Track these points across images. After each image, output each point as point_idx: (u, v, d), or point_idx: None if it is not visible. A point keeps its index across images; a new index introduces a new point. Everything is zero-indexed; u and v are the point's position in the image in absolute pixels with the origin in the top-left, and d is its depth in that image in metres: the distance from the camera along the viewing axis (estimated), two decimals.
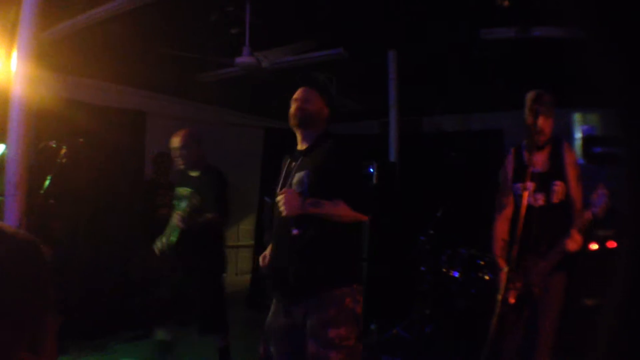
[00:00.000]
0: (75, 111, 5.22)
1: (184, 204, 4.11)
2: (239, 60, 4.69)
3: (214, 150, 8.17)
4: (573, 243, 2.98)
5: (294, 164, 2.90)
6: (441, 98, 7.05)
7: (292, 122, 2.88)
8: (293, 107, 2.89)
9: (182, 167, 4.26)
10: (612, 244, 4.81)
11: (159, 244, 4.17)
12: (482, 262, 5.29)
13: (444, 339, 5.21)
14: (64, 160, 4.00)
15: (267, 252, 3.03)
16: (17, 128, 3.41)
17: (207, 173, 4.25)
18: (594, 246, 4.72)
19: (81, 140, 4.40)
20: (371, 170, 5.99)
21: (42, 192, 3.88)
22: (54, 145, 4.04)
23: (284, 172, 2.95)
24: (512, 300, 3.12)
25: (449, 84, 6.47)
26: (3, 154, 3.99)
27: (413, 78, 6.14)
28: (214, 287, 4.21)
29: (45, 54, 3.92)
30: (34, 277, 1.20)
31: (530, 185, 3.11)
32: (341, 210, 2.67)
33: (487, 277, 5.16)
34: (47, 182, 3.91)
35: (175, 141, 4.19)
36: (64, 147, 4.02)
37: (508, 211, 3.40)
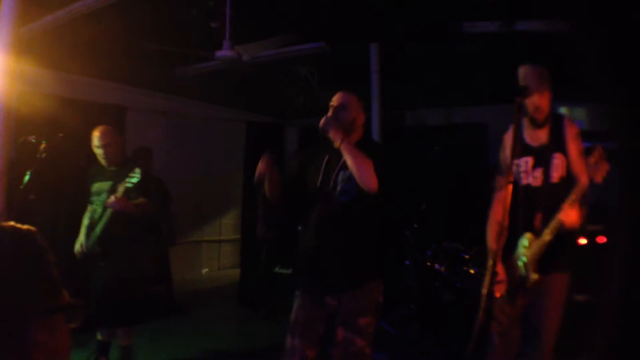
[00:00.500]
0: (56, 106, 5.18)
1: (103, 197, 4.10)
2: (220, 54, 4.67)
3: (195, 145, 8.22)
4: (566, 216, 2.72)
5: (335, 161, 3.05)
6: (424, 92, 7.08)
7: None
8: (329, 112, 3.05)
9: (105, 163, 4.20)
10: (601, 239, 4.79)
11: (78, 246, 4.14)
12: (467, 256, 5.33)
13: (429, 333, 5.24)
14: (43, 155, 3.97)
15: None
16: None
17: (126, 165, 4.17)
18: (583, 241, 4.62)
19: (61, 135, 4.37)
20: None
21: (21, 187, 3.85)
22: (33, 140, 4.00)
23: (323, 167, 3.09)
24: (497, 295, 2.93)
25: (432, 77, 6.51)
26: None
27: (396, 72, 6.16)
28: (127, 284, 4.10)
29: (26, 49, 3.88)
30: (38, 266, 1.21)
31: (529, 159, 2.96)
32: (368, 165, 2.85)
33: (472, 271, 5.20)
34: (26, 177, 3.88)
35: (97, 138, 4.14)
36: (44, 142, 3.99)
37: (504, 192, 2.92)
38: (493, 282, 2.75)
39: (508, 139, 3.11)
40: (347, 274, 3.00)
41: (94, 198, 4.21)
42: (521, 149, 2.96)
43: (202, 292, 7.85)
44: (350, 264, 3.00)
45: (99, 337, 4.26)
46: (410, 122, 8.00)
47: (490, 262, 2.95)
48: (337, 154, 2.98)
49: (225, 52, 4.68)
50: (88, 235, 4.15)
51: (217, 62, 4.95)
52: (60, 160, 4.47)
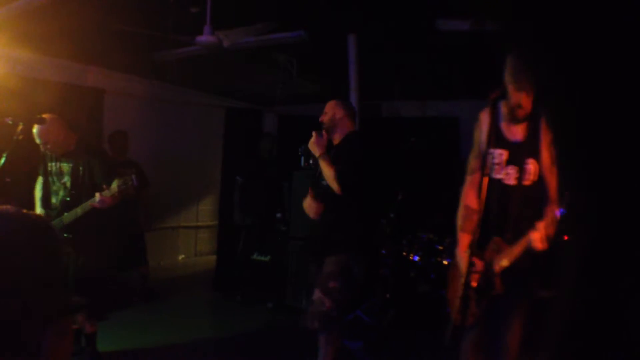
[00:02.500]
0: (33, 89, 5.11)
1: (65, 179, 4.05)
2: (200, 39, 4.64)
3: (174, 130, 8.17)
4: (539, 240, 2.59)
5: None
6: (399, 83, 7.11)
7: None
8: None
9: (52, 153, 4.12)
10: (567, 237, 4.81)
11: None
12: (440, 247, 5.39)
13: (404, 323, 5.28)
14: (20, 137, 3.90)
15: None
16: None
17: (82, 145, 4.11)
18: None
19: (39, 117, 4.31)
20: None
21: None
22: (10, 122, 3.93)
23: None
24: (474, 284, 2.82)
25: (407, 70, 6.54)
26: None
27: (372, 62, 6.18)
28: (92, 272, 4.00)
29: (1, 31, 3.81)
30: (55, 265, 1.08)
31: (503, 153, 2.87)
32: (331, 173, 3.55)
33: (445, 262, 5.25)
34: (2, 160, 3.82)
35: (37, 136, 4.03)
36: (21, 124, 3.92)
37: (478, 177, 2.85)
38: (470, 272, 2.71)
39: (484, 118, 2.98)
40: (326, 243, 3.68)
41: (53, 178, 4.10)
42: (496, 139, 2.85)
43: (178, 279, 7.82)
44: (330, 236, 3.68)
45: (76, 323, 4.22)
46: (386, 113, 8.04)
47: (460, 250, 2.97)
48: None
49: (205, 38, 4.65)
50: (46, 210, 4.06)
51: (198, 47, 4.92)
52: (37, 143, 4.41)
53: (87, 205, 3.90)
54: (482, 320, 2.89)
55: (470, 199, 3.00)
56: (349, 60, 6.09)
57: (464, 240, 2.98)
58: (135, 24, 4.91)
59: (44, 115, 3.99)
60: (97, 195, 3.83)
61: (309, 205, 3.91)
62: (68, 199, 4.00)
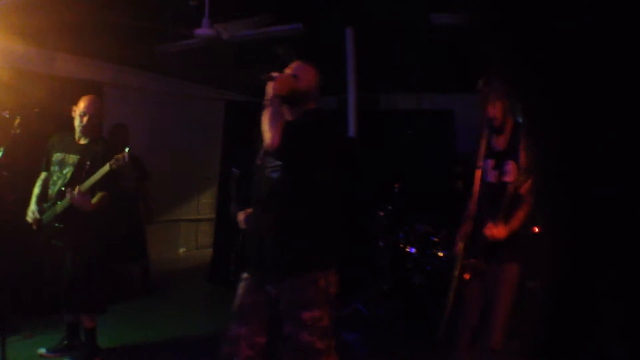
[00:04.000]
0: (31, 82, 4.98)
1: (67, 171, 3.93)
2: (199, 32, 4.55)
3: (173, 123, 8.06)
4: (490, 229, 3.04)
5: None
6: (396, 76, 7.04)
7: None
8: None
9: (78, 132, 4.00)
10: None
11: (31, 214, 3.94)
12: (436, 239, 5.29)
13: (401, 314, 5.19)
14: (17, 131, 3.80)
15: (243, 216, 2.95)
16: None
17: (97, 142, 4.01)
18: (537, 229, 4.65)
19: (36, 110, 4.21)
20: None
21: None
22: (7, 116, 3.82)
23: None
24: (466, 277, 3.14)
25: (403, 63, 6.46)
26: None
27: (370, 55, 6.10)
28: (89, 266, 3.89)
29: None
30: None
31: (490, 162, 3.23)
32: (277, 123, 2.57)
33: (440, 254, 5.16)
34: (0, 154, 3.73)
35: (84, 105, 3.97)
36: (18, 117, 3.82)
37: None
38: (464, 266, 3.12)
39: (484, 136, 3.31)
40: (283, 260, 2.66)
41: (55, 168, 3.99)
42: (487, 150, 3.25)
43: (179, 272, 7.71)
44: (286, 249, 2.65)
45: (67, 320, 4.13)
46: (384, 105, 7.96)
47: (460, 244, 3.27)
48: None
49: (204, 31, 4.57)
50: (40, 204, 3.95)
51: (197, 40, 4.83)
52: (35, 136, 4.31)
53: (66, 201, 3.79)
54: (472, 298, 3.20)
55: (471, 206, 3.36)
56: (346, 54, 6.02)
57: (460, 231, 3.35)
58: (134, 16, 4.82)
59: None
60: (76, 189, 3.73)
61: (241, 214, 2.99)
62: (63, 188, 3.89)
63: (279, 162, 2.66)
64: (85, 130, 3.98)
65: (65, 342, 4.13)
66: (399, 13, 5.03)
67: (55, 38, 5.06)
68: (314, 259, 2.69)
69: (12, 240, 4.18)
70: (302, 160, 2.65)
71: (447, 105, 7.30)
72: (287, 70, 2.82)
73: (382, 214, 5.59)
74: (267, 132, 2.55)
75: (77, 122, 3.99)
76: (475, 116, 3.40)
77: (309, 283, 2.64)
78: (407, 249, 5.40)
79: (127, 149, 3.72)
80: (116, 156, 3.69)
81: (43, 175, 4.11)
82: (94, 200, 3.84)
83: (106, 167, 3.71)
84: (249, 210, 2.90)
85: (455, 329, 3.27)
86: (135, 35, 5.32)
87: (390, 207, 5.59)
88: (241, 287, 2.82)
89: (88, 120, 3.96)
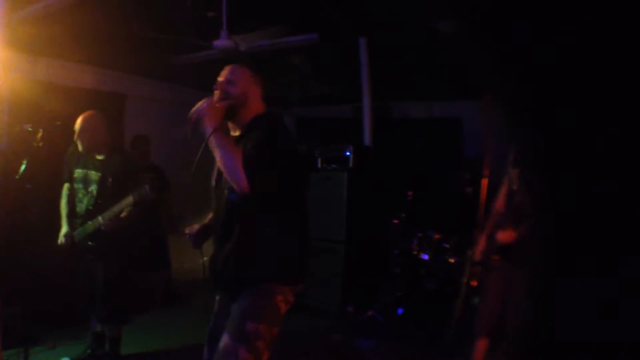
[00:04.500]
0: (53, 94, 4.92)
1: (92, 188, 3.83)
2: (217, 43, 4.47)
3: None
4: (502, 234, 3.07)
5: None
6: (407, 85, 6.96)
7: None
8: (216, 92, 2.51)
9: (82, 149, 3.86)
10: None
11: (63, 237, 3.83)
12: (447, 245, 5.20)
13: (414, 321, 5.09)
14: (40, 144, 3.74)
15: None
16: None
17: (114, 156, 3.87)
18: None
19: (58, 123, 4.13)
20: (347, 153, 5.86)
21: (17, 176, 3.63)
22: (29, 129, 3.76)
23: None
24: (474, 283, 3.14)
25: (414, 71, 6.38)
26: None
27: (383, 64, 6.04)
28: (116, 277, 3.83)
29: (19, 36, 3.66)
30: None
31: (515, 171, 3.25)
32: (234, 160, 2.21)
33: (451, 260, 5.07)
34: (23, 167, 3.67)
35: (79, 124, 3.81)
36: (41, 130, 3.76)
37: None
38: (472, 273, 3.18)
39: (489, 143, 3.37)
40: (239, 276, 2.38)
41: (79, 186, 3.88)
42: (513, 159, 3.27)
43: (201, 282, 7.59)
44: (242, 265, 2.36)
45: (93, 330, 4.05)
46: (395, 113, 7.88)
47: (469, 252, 3.30)
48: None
49: (222, 42, 4.50)
50: (72, 223, 3.86)
51: (215, 51, 4.76)
52: (57, 149, 4.25)
53: (97, 221, 3.71)
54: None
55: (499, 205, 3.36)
56: (360, 63, 5.95)
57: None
58: (154, 28, 4.77)
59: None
60: (100, 219, 3.68)
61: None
62: (91, 207, 3.81)
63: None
64: (93, 149, 3.85)
65: (89, 351, 4.06)
66: (409, 22, 4.95)
67: (77, 50, 4.99)
68: (273, 271, 2.36)
69: (35, 251, 4.12)
70: (274, 184, 2.30)
71: (455, 112, 7.18)
72: (220, 78, 2.54)
73: (396, 221, 5.52)
74: (231, 177, 2.22)
75: (80, 147, 3.85)
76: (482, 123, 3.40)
77: (264, 293, 2.32)
78: (420, 256, 5.31)
79: (147, 186, 3.64)
80: (139, 189, 3.61)
81: (66, 188, 4.00)
82: (123, 214, 3.75)
83: (129, 199, 3.63)
84: (195, 227, 2.69)
85: (463, 334, 3.27)
86: (155, 47, 5.27)
87: (404, 215, 5.51)
88: (215, 308, 2.58)
89: (89, 139, 3.81)
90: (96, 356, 4.03)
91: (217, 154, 2.29)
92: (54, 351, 4.20)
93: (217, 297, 2.60)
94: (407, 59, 5.98)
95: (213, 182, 2.57)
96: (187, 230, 2.63)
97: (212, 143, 2.30)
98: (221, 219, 2.48)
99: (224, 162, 2.25)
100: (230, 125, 2.51)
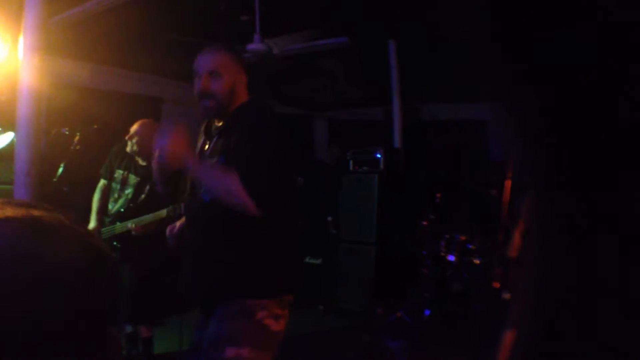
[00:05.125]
0: (90, 98, 4.85)
1: (128, 191, 3.71)
2: (251, 46, 4.34)
3: None
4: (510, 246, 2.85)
5: (207, 146, 2.12)
6: (435, 87, 6.80)
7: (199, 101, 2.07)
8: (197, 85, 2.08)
9: (136, 155, 3.76)
10: None
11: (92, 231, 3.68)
12: (472, 247, 5.05)
13: (441, 322, 4.95)
14: (77, 148, 3.65)
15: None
16: (25, 115, 3.05)
17: None
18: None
19: (95, 126, 4.03)
20: (378, 155, 5.74)
21: (55, 179, 3.55)
22: (67, 132, 3.67)
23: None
24: (496, 285, 3.01)
25: (442, 74, 6.20)
26: (12, 142, 3.67)
27: (412, 67, 5.89)
28: (146, 279, 3.72)
29: (56, 41, 3.57)
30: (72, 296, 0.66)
31: None
32: (230, 185, 1.82)
33: (476, 262, 4.92)
34: (60, 170, 3.58)
35: (132, 129, 3.72)
36: (78, 134, 3.67)
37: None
38: (495, 275, 3.04)
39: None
40: (215, 284, 1.98)
41: (117, 186, 3.78)
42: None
43: None
44: (219, 272, 1.96)
45: (125, 331, 3.91)
46: (425, 116, 7.71)
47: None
48: (211, 136, 2.12)
49: (256, 45, 4.37)
50: (101, 220, 3.76)
51: (249, 54, 4.64)
52: (94, 152, 4.16)
53: (126, 225, 3.62)
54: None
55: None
56: (390, 65, 5.86)
57: None
58: (189, 33, 4.68)
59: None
60: (129, 224, 3.59)
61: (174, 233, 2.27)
62: (123, 210, 3.71)
63: None
64: (139, 154, 3.75)
65: (124, 352, 3.96)
66: (436, 24, 4.79)
67: (113, 54, 4.92)
68: (251, 284, 1.93)
69: None
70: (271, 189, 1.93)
71: (481, 114, 6.95)
72: (199, 70, 2.10)
73: (425, 223, 5.38)
74: (235, 203, 1.84)
75: (129, 148, 3.76)
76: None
77: (241, 312, 1.90)
78: (447, 257, 5.15)
79: (183, 205, 3.54)
80: (174, 207, 3.47)
81: (102, 183, 3.87)
82: (153, 225, 3.63)
83: (162, 213, 3.51)
84: (176, 225, 2.28)
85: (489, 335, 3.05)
86: (191, 51, 5.17)
87: (432, 217, 5.38)
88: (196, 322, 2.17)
89: (138, 143, 3.71)
90: (131, 357, 3.94)
91: (208, 185, 1.95)
92: None
93: (197, 310, 2.21)
94: (435, 60, 5.82)
95: (189, 182, 2.18)
96: (167, 230, 2.26)
97: (195, 174, 2.00)
98: (193, 221, 2.11)
99: (216, 188, 1.91)
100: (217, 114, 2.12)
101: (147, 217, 3.56)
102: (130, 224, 3.59)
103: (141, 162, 3.77)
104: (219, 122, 2.13)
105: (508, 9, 0.65)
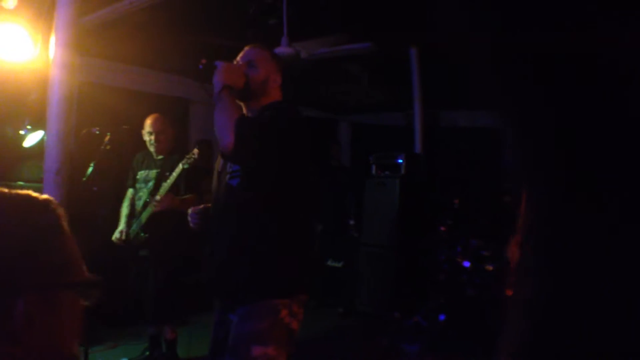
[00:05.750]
0: (120, 98, 4.75)
1: (150, 184, 3.64)
2: (279, 50, 4.21)
3: None
4: (508, 249, 2.74)
5: None
6: (455, 94, 6.65)
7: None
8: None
9: (153, 150, 3.73)
10: None
11: (118, 233, 3.64)
12: (486, 253, 4.91)
13: (455, 327, 4.82)
14: (107, 147, 3.55)
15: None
16: (56, 114, 2.95)
17: (173, 155, 3.70)
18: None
19: (126, 126, 3.94)
20: (400, 160, 5.59)
21: (84, 179, 3.45)
22: (97, 132, 3.58)
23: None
24: (509, 292, 2.84)
25: (460, 80, 6.05)
26: (42, 139, 3.58)
27: (433, 73, 5.73)
28: (168, 276, 3.62)
29: (87, 40, 3.49)
30: (44, 240, 0.87)
31: None
32: (229, 119, 1.88)
33: (490, 268, 4.79)
34: (90, 169, 3.48)
35: (149, 125, 3.69)
36: (108, 134, 3.58)
37: None
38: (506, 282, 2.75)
39: None
40: (240, 283, 1.94)
41: (141, 185, 3.73)
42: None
43: None
44: (242, 270, 1.94)
45: (149, 332, 3.83)
46: (444, 122, 7.54)
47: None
48: None
49: (284, 49, 4.24)
50: (129, 223, 3.67)
51: None
52: (124, 152, 4.06)
53: (150, 209, 3.55)
54: None
55: None
56: (412, 71, 5.76)
57: None
58: (218, 35, 4.57)
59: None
60: (154, 201, 3.50)
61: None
62: (147, 200, 3.62)
63: (238, 168, 1.99)
64: (159, 148, 3.71)
65: (147, 352, 3.84)
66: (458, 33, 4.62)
67: (143, 55, 4.83)
68: (276, 283, 1.92)
69: (100, 252, 3.95)
70: (265, 163, 1.92)
71: (497, 121, 6.76)
72: (238, 59, 2.15)
73: (443, 228, 5.25)
74: (219, 132, 1.87)
75: (147, 142, 3.73)
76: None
77: (267, 311, 1.89)
78: (462, 263, 5.02)
79: (196, 150, 3.42)
80: (187, 155, 3.41)
81: (130, 193, 3.81)
82: (182, 197, 3.55)
83: (179, 168, 3.43)
84: (200, 207, 2.19)
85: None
86: (220, 53, 5.06)
87: (450, 222, 5.25)
88: (215, 317, 2.12)
89: (156, 138, 3.68)
90: (154, 357, 3.82)
91: (216, 109, 1.94)
92: (113, 351, 3.99)
93: (216, 304, 2.14)
94: (455, 68, 5.66)
95: (217, 168, 2.14)
96: (190, 210, 2.19)
97: (217, 97, 1.97)
98: (219, 208, 2.06)
99: (218, 116, 1.91)
100: (244, 110, 2.12)
101: (168, 181, 3.48)
102: (155, 200, 3.49)
103: (158, 157, 3.75)
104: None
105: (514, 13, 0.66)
